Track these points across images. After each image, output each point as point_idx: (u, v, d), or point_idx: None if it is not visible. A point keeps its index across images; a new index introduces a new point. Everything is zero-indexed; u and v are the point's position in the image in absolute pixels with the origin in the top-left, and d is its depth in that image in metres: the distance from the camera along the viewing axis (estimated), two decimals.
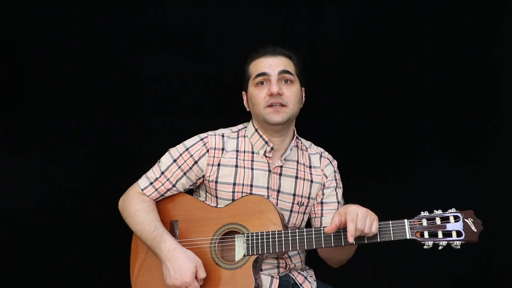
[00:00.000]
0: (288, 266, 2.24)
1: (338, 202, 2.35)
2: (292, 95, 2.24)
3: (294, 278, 2.24)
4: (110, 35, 2.72)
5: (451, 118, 2.83)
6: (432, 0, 2.83)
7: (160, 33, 2.77)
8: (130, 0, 2.75)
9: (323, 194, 2.34)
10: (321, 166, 2.36)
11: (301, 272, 2.28)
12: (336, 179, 2.38)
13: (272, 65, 2.23)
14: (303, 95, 2.34)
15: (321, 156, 2.39)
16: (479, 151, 2.81)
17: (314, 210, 2.35)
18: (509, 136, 2.80)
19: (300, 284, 2.24)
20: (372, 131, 2.85)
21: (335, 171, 2.38)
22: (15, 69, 2.68)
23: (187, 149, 2.25)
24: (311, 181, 2.33)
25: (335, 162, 2.41)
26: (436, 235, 1.98)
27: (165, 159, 2.26)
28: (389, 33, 2.82)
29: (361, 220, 1.95)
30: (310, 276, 2.30)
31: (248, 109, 2.34)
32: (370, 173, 2.81)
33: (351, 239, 1.93)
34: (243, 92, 2.34)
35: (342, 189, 2.39)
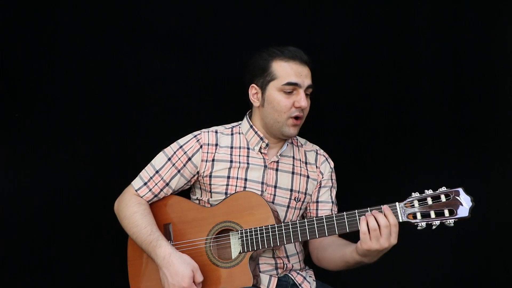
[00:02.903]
0: (285, 266, 2.23)
1: (332, 202, 2.35)
2: (308, 107, 2.25)
3: (293, 278, 2.23)
4: (108, 35, 2.75)
5: (451, 118, 2.83)
6: (432, 0, 2.84)
7: (156, 32, 2.78)
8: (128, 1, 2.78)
9: (318, 193, 2.33)
10: (317, 163, 2.36)
11: (300, 273, 2.26)
12: (332, 179, 2.37)
13: (302, 75, 2.20)
14: None
15: (316, 153, 2.39)
16: (479, 151, 2.81)
17: (310, 209, 2.35)
18: (509, 135, 2.80)
19: (299, 284, 2.22)
20: (371, 131, 2.86)
21: (331, 171, 2.38)
22: (15, 69, 2.70)
23: (180, 147, 2.26)
24: (308, 177, 2.33)
25: (331, 162, 2.40)
26: (428, 216, 1.96)
27: (159, 158, 2.27)
28: (389, 32, 2.83)
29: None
30: (310, 276, 2.28)
31: (256, 104, 2.28)
32: (369, 173, 2.81)
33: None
34: (252, 85, 2.27)
35: (336, 190, 2.38)
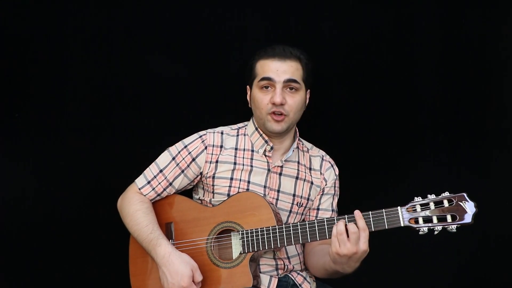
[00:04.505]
0: (286, 267, 2.22)
1: (333, 210, 2.34)
2: (295, 104, 2.18)
3: (293, 279, 2.23)
4: (109, 35, 2.75)
5: (451, 119, 2.83)
6: (432, 0, 2.82)
7: (157, 32, 2.78)
8: (129, 1, 2.77)
9: (320, 200, 2.33)
10: (322, 169, 2.34)
11: (301, 273, 2.26)
12: (335, 187, 2.36)
13: (279, 71, 2.15)
14: (308, 97, 2.30)
15: (322, 159, 2.37)
16: (479, 151, 2.80)
17: (309, 216, 2.34)
18: (510, 136, 2.79)
19: (300, 285, 2.22)
20: (371, 131, 2.85)
21: (336, 178, 2.36)
22: (15, 69, 2.70)
23: (185, 147, 2.25)
24: (311, 183, 2.31)
25: (336, 169, 2.38)
26: (430, 220, 1.94)
27: (164, 157, 2.26)
28: (388, 32, 2.82)
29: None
30: (310, 277, 2.29)
31: (250, 105, 2.30)
32: (369, 173, 2.81)
33: None
34: (248, 86, 2.29)
35: (338, 197, 2.37)
